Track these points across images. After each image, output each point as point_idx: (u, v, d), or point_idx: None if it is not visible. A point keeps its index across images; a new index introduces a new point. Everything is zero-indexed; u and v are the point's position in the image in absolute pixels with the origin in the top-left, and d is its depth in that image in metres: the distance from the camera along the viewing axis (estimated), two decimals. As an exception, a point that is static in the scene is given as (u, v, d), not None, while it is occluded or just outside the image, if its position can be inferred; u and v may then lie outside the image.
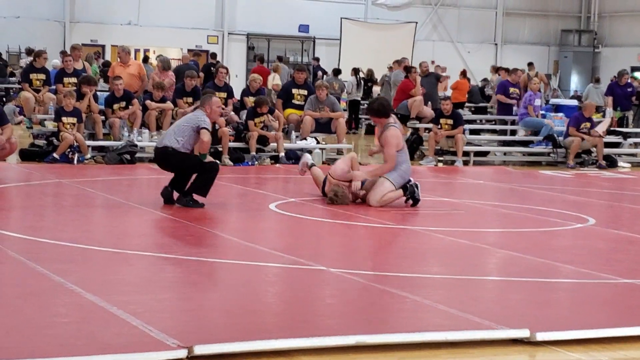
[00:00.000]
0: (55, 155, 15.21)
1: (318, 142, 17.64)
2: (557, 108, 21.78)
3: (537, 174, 17.11)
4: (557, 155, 18.89)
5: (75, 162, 15.16)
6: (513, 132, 20.85)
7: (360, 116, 27.68)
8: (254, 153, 16.49)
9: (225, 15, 35.62)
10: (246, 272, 7.43)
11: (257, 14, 35.80)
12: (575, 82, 39.86)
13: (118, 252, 8.02)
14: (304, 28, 36.70)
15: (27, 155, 15.57)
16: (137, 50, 33.02)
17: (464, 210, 11.57)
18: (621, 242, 9.64)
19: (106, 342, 5.19)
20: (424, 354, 5.39)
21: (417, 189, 11.38)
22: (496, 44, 39.98)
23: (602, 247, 9.42)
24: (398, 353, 5.38)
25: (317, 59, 32.45)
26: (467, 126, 19.78)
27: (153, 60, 27.61)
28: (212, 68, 22.53)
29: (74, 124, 15.54)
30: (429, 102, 20.63)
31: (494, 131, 22.48)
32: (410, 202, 11.38)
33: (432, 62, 29.00)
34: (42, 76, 18.69)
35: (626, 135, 20.58)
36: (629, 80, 23.28)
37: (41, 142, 16.13)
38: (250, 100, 17.62)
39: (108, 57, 31.94)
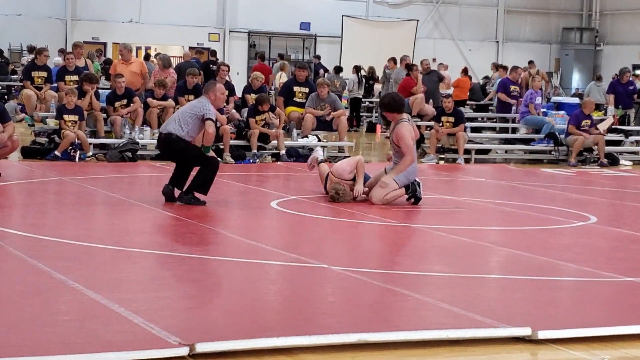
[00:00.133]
0: (56, 152, 15.22)
1: (319, 140, 17.65)
2: (559, 106, 21.78)
3: (539, 171, 17.10)
4: (559, 153, 18.89)
5: (76, 159, 15.17)
6: (514, 130, 20.85)
7: (361, 114, 27.67)
8: (255, 151, 16.48)
9: (227, 13, 35.62)
10: (248, 270, 7.43)
11: (258, 12, 35.80)
12: (576, 80, 39.84)
13: (120, 250, 8.03)
14: (305, 26, 36.70)
15: (28, 152, 15.58)
16: (138, 48, 33.05)
17: (466, 208, 11.57)
18: (623, 241, 9.63)
19: (108, 339, 5.19)
20: (426, 352, 5.39)
21: (419, 187, 11.37)
22: (497, 42, 39.96)
23: (604, 245, 9.42)
24: (400, 351, 5.37)
25: (318, 57, 32.44)
26: (469, 124, 19.77)
27: (155, 57, 27.59)
28: (211, 66, 22.52)
29: (75, 122, 15.54)
30: (431, 100, 20.63)
31: (494, 129, 22.47)
32: (412, 200, 11.37)
33: (434, 60, 28.98)
34: (44, 74, 18.68)
35: (628, 133, 20.57)
36: (631, 78, 23.25)
37: (43, 139, 16.13)
38: (251, 98, 17.63)
39: (109, 54, 31.94)
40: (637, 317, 6.19)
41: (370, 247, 9.15)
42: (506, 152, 20.11)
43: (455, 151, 17.98)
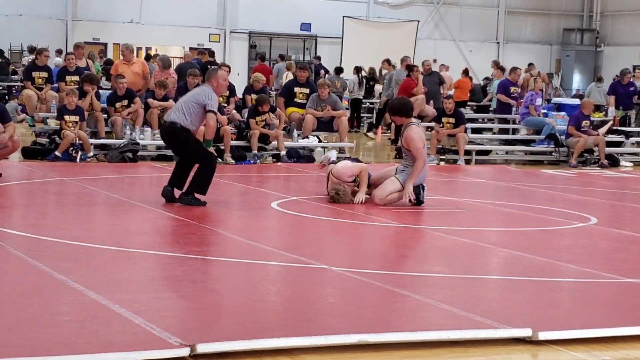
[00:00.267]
0: (57, 153, 15.23)
1: (320, 141, 17.66)
2: (559, 107, 21.78)
3: (539, 173, 17.11)
4: (559, 154, 18.89)
5: (77, 160, 15.17)
6: (515, 131, 20.86)
7: (362, 115, 27.67)
8: (255, 151, 16.49)
9: (227, 14, 35.64)
10: (248, 271, 7.43)
11: (259, 13, 35.82)
12: (577, 81, 39.85)
13: (120, 250, 8.03)
14: (306, 26, 36.72)
15: (29, 153, 15.59)
16: (139, 49, 33.05)
17: (466, 209, 11.57)
18: (623, 242, 9.63)
19: (108, 340, 5.19)
20: (426, 353, 5.39)
21: (423, 190, 11.34)
22: (498, 43, 39.98)
23: (604, 246, 9.41)
24: (400, 352, 5.38)
25: (319, 58, 32.46)
26: (469, 125, 19.78)
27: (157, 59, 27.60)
28: (209, 66, 22.50)
29: (76, 122, 15.55)
30: (431, 101, 20.63)
31: (494, 130, 22.48)
32: (414, 202, 11.34)
33: (434, 61, 29.00)
34: (45, 74, 18.70)
35: (628, 135, 20.58)
36: (632, 79, 23.26)
37: (43, 140, 16.14)
38: (252, 99, 17.63)
39: (110, 55, 31.96)
40: (638, 318, 6.19)
41: (371, 248, 9.14)
42: (507, 153, 20.11)
43: (456, 152, 17.99)
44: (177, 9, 34.47)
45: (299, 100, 18.13)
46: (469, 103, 26.28)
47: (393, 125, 20.15)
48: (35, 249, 7.82)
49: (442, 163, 17.87)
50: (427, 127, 19.12)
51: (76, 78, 17.67)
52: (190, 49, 31.19)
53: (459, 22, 39.16)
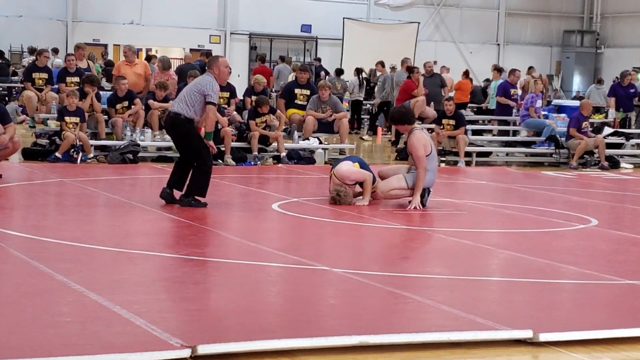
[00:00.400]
0: (57, 154, 15.23)
1: (320, 142, 17.66)
2: (560, 109, 21.78)
3: (539, 174, 17.11)
4: (560, 156, 18.90)
5: (78, 161, 15.18)
6: (515, 133, 20.86)
7: (362, 116, 27.67)
8: (256, 153, 16.49)
9: (228, 15, 35.63)
10: (249, 272, 7.43)
11: (259, 14, 35.82)
12: (577, 82, 39.85)
13: (121, 252, 8.03)
14: (306, 28, 36.71)
15: (29, 154, 15.59)
16: (139, 50, 33.03)
17: (467, 211, 11.57)
18: (624, 243, 9.63)
19: (109, 341, 5.19)
20: (427, 355, 5.39)
21: (428, 195, 11.33)
22: (498, 45, 39.97)
23: (605, 248, 9.42)
24: (401, 353, 5.38)
25: (319, 59, 32.46)
26: (470, 127, 19.78)
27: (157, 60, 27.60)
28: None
29: (76, 124, 15.55)
30: (432, 103, 20.62)
31: (494, 132, 22.47)
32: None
33: (435, 63, 29.01)
34: (45, 75, 18.70)
35: (629, 136, 20.58)
36: (632, 81, 23.25)
37: (44, 141, 16.14)
38: (252, 100, 17.62)
39: (110, 56, 31.95)
40: (638, 320, 6.19)
41: (372, 249, 9.14)
42: (507, 154, 20.11)
43: (456, 154, 17.99)
44: (177, 10, 34.46)
45: (300, 102, 18.13)
46: (469, 105, 26.27)
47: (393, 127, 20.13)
48: (36, 250, 7.82)
49: (442, 165, 17.86)
50: (428, 129, 19.08)
51: (76, 79, 17.66)
52: (191, 50, 31.18)
53: (460, 23, 39.15)
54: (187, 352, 5.05)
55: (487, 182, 15.56)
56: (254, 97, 17.67)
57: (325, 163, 16.56)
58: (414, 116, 11.94)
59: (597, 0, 40.66)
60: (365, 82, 27.90)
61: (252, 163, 16.30)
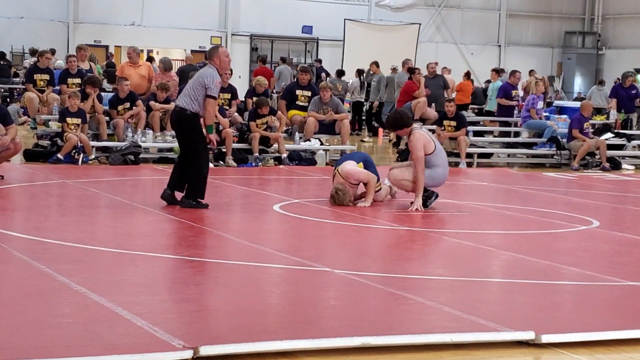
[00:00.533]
0: (59, 155, 15.23)
1: (322, 144, 17.66)
2: (561, 110, 21.78)
3: (541, 175, 17.11)
4: (561, 157, 18.89)
5: (79, 162, 15.18)
6: (516, 134, 20.86)
7: (363, 117, 27.67)
8: (257, 154, 16.49)
9: (229, 16, 35.66)
10: (251, 273, 7.43)
11: (260, 15, 35.84)
12: (578, 84, 39.85)
13: (123, 253, 8.03)
14: (307, 29, 36.73)
15: (31, 155, 15.60)
16: (140, 51, 33.03)
17: (468, 212, 11.57)
18: (625, 245, 9.63)
19: (111, 342, 5.19)
20: (429, 356, 5.39)
21: (433, 197, 11.28)
22: (499, 46, 39.99)
23: (606, 249, 9.41)
24: (403, 355, 5.38)
25: (320, 61, 32.47)
26: (471, 128, 19.77)
27: (158, 61, 27.62)
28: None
29: (78, 125, 15.56)
30: (433, 104, 20.61)
31: (495, 134, 22.46)
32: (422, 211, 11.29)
33: (436, 64, 29.00)
34: (46, 76, 18.70)
35: (630, 138, 20.57)
36: (633, 83, 23.25)
37: (45, 142, 16.15)
38: (253, 102, 17.61)
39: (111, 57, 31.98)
40: (640, 321, 6.19)
41: (373, 250, 9.14)
42: (508, 156, 20.11)
43: (458, 155, 17.98)
44: (178, 11, 34.48)
45: (301, 103, 18.13)
46: (470, 106, 26.27)
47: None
48: (38, 252, 7.82)
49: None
50: (429, 130, 19.10)
51: (78, 80, 17.66)
52: (192, 51, 31.19)
53: (461, 25, 39.17)
54: (189, 354, 5.05)
55: (489, 184, 15.56)
56: (255, 99, 17.67)
57: (327, 164, 16.56)
58: (411, 118, 11.89)
59: (599, 2, 40.67)
60: (366, 84, 27.90)
61: (253, 164, 16.31)
